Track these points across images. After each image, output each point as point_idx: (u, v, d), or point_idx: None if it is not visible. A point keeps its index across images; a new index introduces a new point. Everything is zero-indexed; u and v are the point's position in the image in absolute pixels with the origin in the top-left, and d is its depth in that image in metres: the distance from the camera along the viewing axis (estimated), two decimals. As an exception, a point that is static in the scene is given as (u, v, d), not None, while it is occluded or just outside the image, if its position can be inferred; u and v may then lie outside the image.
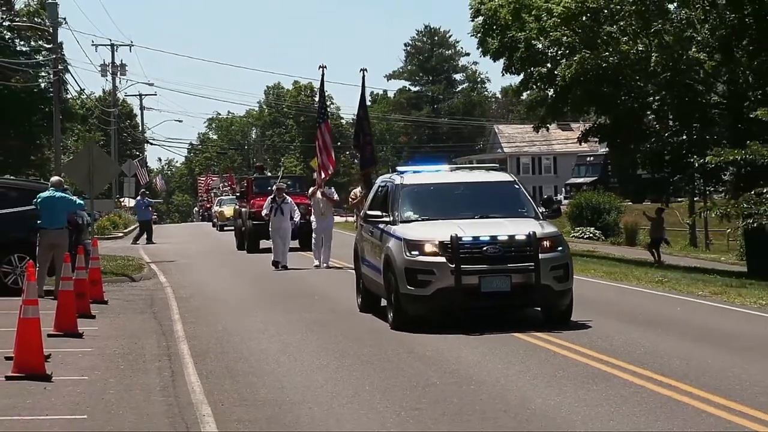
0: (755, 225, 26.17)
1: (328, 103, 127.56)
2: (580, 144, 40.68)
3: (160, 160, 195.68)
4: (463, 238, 16.10)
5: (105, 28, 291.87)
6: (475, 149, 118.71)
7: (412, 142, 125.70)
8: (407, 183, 18.05)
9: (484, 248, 16.10)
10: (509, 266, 16.07)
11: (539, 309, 17.05)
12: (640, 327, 16.44)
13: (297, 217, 30.15)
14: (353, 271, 25.11)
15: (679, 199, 59.44)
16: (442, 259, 16.08)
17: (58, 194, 21.62)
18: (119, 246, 42.61)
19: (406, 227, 16.97)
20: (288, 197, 30.16)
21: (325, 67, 32.12)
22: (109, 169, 29.63)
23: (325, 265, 28.88)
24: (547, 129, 44.16)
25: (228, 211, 58.12)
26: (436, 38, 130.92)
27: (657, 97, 34.15)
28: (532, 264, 16.05)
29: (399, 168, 18.93)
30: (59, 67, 46.35)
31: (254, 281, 26.09)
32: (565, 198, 75.16)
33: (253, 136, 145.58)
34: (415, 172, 18.70)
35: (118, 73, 79.18)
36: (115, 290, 23.76)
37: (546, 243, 16.40)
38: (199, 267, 31.42)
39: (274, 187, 30.24)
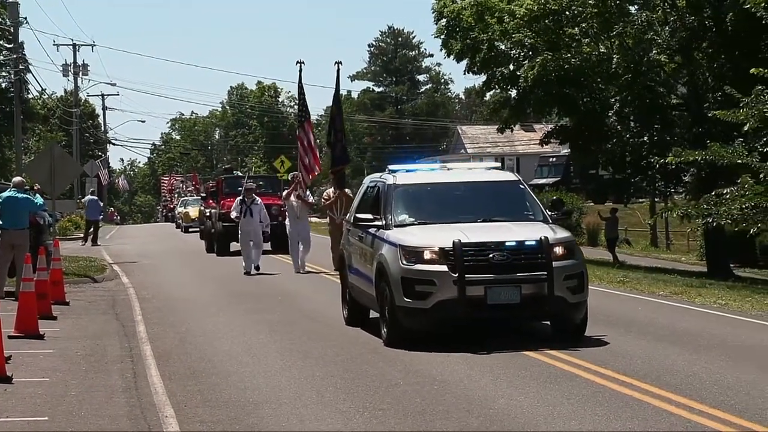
0: (714, 225, 26.39)
1: (292, 103, 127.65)
2: (543, 145, 40.88)
3: (122, 160, 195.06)
4: (468, 244, 14.46)
5: (67, 28, 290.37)
6: (438, 150, 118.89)
7: (375, 143, 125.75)
8: (401, 183, 16.28)
9: (491, 255, 14.46)
10: (519, 275, 14.47)
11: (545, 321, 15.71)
12: (602, 327, 16.50)
13: (266, 227, 28.72)
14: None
15: (641, 200, 59.82)
16: (443, 268, 14.43)
17: (21, 195, 21.51)
18: (81, 247, 42.38)
19: (402, 232, 15.23)
20: (257, 198, 28.75)
21: (303, 62, 30.88)
22: (70, 169, 29.44)
23: (303, 270, 27.59)
24: (512, 130, 44.34)
25: (193, 212, 57.08)
26: (399, 39, 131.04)
27: (618, 99, 34.40)
28: (545, 273, 14.48)
29: (391, 166, 17.15)
30: (20, 66, 46.12)
31: (218, 282, 26.03)
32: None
33: (217, 136, 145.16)
34: (408, 171, 16.96)
35: (80, 73, 78.86)
36: (76, 291, 23.64)
37: (559, 249, 14.82)
38: (163, 268, 31.31)
39: (243, 188, 28.85)
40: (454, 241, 14.45)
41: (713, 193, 25.76)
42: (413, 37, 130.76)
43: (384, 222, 15.73)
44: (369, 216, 16.09)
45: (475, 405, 11.06)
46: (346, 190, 28.14)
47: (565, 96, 35.36)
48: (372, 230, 15.98)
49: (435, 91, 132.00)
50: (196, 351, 15.05)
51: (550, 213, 16.08)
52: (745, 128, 24.49)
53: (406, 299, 14.56)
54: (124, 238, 52.29)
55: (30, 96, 66.30)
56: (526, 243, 14.70)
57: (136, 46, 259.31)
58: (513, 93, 37.60)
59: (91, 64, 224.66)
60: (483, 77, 37.82)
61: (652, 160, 30.12)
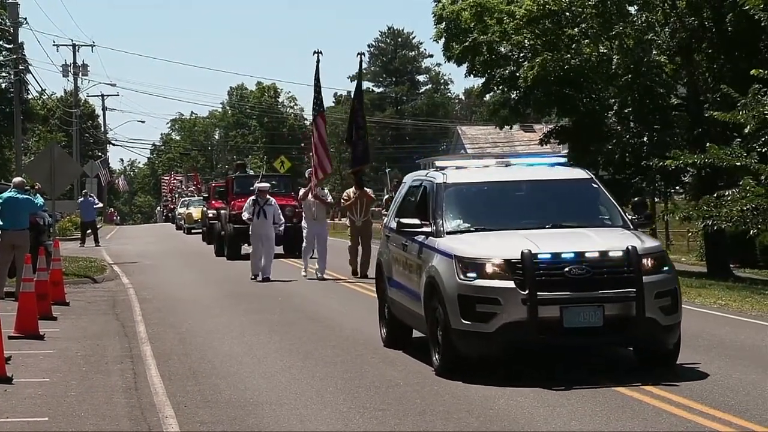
0: (715, 228, 26.40)
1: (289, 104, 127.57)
2: (542, 146, 40.91)
3: (122, 161, 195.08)
4: (539, 255, 12.17)
5: (67, 28, 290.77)
6: (438, 150, 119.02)
7: (375, 143, 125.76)
8: (452, 182, 13.89)
9: (567, 269, 12.14)
10: (601, 293, 12.15)
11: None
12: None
13: (281, 226, 26.43)
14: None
15: (641, 201, 59.71)
16: (510, 284, 12.11)
17: (21, 196, 21.52)
18: (80, 248, 42.34)
19: (456, 240, 12.91)
20: (272, 198, 26.66)
21: (321, 52, 28.40)
22: (70, 169, 29.47)
23: (319, 275, 25.61)
24: (511, 127, 44.43)
25: (196, 213, 55.36)
26: (399, 40, 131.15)
27: (617, 99, 34.47)
28: (633, 290, 12.14)
29: (438, 162, 15.03)
30: (20, 67, 46.15)
31: (219, 283, 26.01)
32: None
33: (216, 137, 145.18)
34: (458, 168, 14.54)
35: (80, 74, 78.83)
36: (76, 292, 23.63)
37: (648, 261, 12.47)
38: (163, 268, 31.29)
39: (256, 188, 26.67)
40: (522, 252, 12.10)
41: (714, 195, 25.76)
42: (413, 38, 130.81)
43: (434, 228, 13.38)
44: (415, 221, 13.70)
45: (475, 405, 11.07)
46: (367, 190, 27.09)
47: (564, 96, 35.41)
48: (419, 238, 13.62)
49: (435, 92, 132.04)
50: (196, 351, 15.06)
51: (630, 217, 13.80)
52: (746, 130, 24.52)
53: (464, 321, 12.22)
54: (124, 239, 52.24)
55: (30, 96, 66.36)
56: (611, 253, 12.39)
57: (135, 47, 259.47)
58: (513, 94, 37.63)
59: (90, 65, 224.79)
60: (483, 79, 37.85)
61: (651, 163, 30.14)
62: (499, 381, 12.00)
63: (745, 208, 24.36)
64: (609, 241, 12.70)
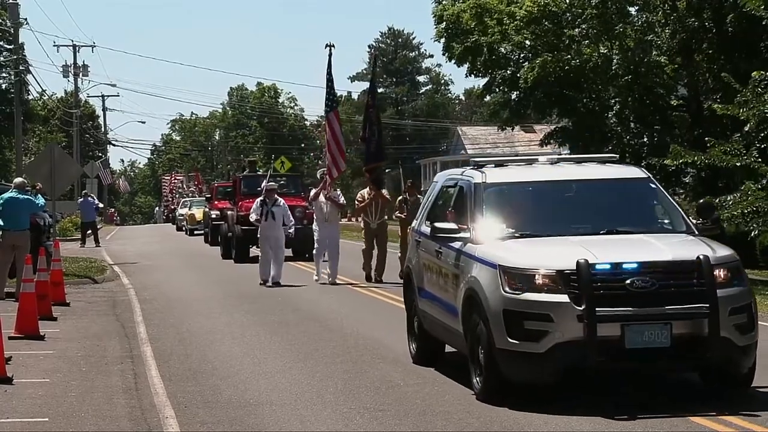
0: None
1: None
2: (543, 146, 40.98)
3: (122, 161, 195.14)
4: (597, 266, 10.69)
5: (67, 29, 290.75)
6: (439, 150, 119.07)
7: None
8: (493, 181, 12.43)
9: (629, 281, 10.65)
10: (669, 309, 10.68)
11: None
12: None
13: (291, 228, 25.30)
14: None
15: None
16: (564, 298, 10.67)
17: (22, 196, 21.53)
18: (80, 248, 42.33)
19: (500, 248, 11.45)
20: (280, 199, 25.50)
21: (333, 45, 26.89)
22: (70, 170, 29.47)
23: (331, 279, 24.60)
24: (512, 128, 44.51)
25: (198, 214, 53.45)
26: (399, 40, 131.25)
27: (618, 100, 34.56)
28: (706, 305, 10.65)
29: (475, 159, 13.48)
30: (20, 67, 46.16)
31: (219, 283, 25.98)
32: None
33: (217, 137, 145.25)
34: (498, 165, 13.05)
35: (81, 74, 78.90)
36: (77, 292, 23.63)
37: (721, 272, 10.99)
38: (163, 269, 31.29)
39: (263, 188, 25.62)
40: (578, 261, 10.63)
41: (717, 200, 25.76)
42: (413, 38, 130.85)
43: (472, 233, 11.91)
44: (451, 225, 12.23)
45: (475, 406, 11.07)
46: (383, 190, 25.85)
47: (565, 97, 35.49)
48: (455, 244, 12.16)
49: (435, 92, 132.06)
50: (196, 352, 15.05)
51: (695, 221, 12.34)
52: (746, 128, 24.53)
53: (510, 340, 10.77)
54: (123, 240, 52.22)
55: (30, 97, 66.32)
56: (679, 264, 10.98)
57: (136, 47, 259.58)
58: (513, 95, 37.72)
59: (91, 65, 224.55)
60: (484, 80, 37.93)
61: (652, 162, 30.17)
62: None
63: (746, 210, 24.39)
64: (675, 249, 11.23)
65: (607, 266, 10.79)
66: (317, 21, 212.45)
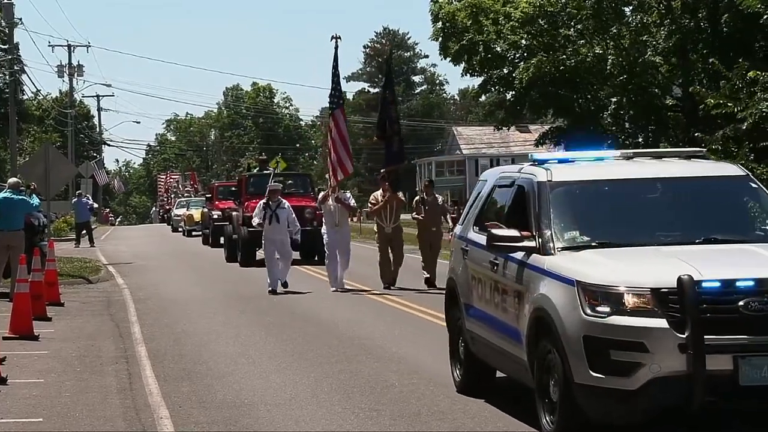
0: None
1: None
2: (538, 147, 41.10)
3: (117, 161, 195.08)
4: (704, 283, 8.74)
5: (62, 29, 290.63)
6: (434, 150, 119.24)
7: (371, 144, 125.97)
8: (560, 179, 10.42)
9: (743, 302, 8.71)
10: None
11: None
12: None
13: (297, 234, 23.56)
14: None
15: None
16: (661, 323, 8.71)
17: (16, 196, 21.51)
18: (75, 249, 42.31)
19: (575, 259, 9.51)
20: (284, 201, 23.85)
21: (339, 38, 25.13)
22: (65, 170, 29.46)
23: (339, 284, 23.21)
24: (508, 128, 44.65)
25: (197, 214, 52.07)
26: (395, 40, 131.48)
27: (613, 100, 34.67)
28: None
29: (535, 155, 11.32)
30: (15, 67, 46.09)
31: (214, 283, 25.97)
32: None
33: (212, 137, 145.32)
34: (562, 161, 11.08)
35: (75, 74, 78.88)
36: (71, 292, 23.61)
37: None
38: (158, 269, 31.27)
39: (267, 189, 24.16)
40: (681, 278, 8.68)
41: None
42: (408, 38, 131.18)
43: (539, 242, 9.94)
44: (513, 233, 10.16)
45: (471, 405, 11.07)
46: (399, 193, 24.32)
47: (560, 97, 35.63)
48: (517, 255, 10.19)
49: (430, 92, 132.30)
50: (191, 352, 15.04)
51: None
52: (744, 126, 24.59)
53: (593, 373, 8.86)
54: (117, 240, 52.18)
55: (25, 97, 66.21)
56: None
57: (131, 47, 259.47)
58: (509, 95, 37.86)
59: (86, 65, 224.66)
60: (479, 79, 38.08)
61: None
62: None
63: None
64: None
65: (717, 284, 8.77)
66: (312, 21, 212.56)
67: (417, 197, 24.98)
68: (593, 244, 9.78)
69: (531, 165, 11.03)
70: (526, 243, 10.02)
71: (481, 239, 10.96)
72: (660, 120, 34.40)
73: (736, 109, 24.25)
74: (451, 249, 13.24)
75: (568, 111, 36.29)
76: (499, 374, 11.44)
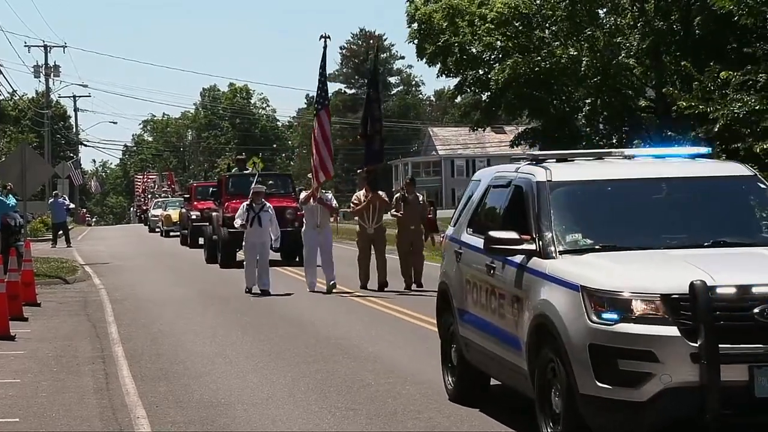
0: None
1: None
2: (513, 147, 41.33)
3: (94, 161, 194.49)
4: (718, 289, 8.28)
5: (38, 29, 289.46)
6: (410, 151, 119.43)
7: (348, 144, 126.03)
8: (561, 179, 9.93)
9: (759, 309, 8.24)
10: None
11: None
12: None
13: (276, 240, 23.18)
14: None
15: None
16: (672, 330, 8.26)
17: (-8, 197, 21.49)
18: (51, 249, 42.20)
19: (579, 263, 9.03)
20: (267, 204, 23.33)
21: (329, 37, 24.46)
22: (42, 171, 29.36)
23: (327, 287, 22.66)
24: (483, 129, 44.87)
25: (174, 214, 51.67)
26: (371, 42, 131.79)
27: (587, 101, 34.97)
28: None
29: (532, 151, 10.93)
30: (-9, 68, 45.96)
31: (191, 284, 25.98)
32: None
33: (189, 137, 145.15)
34: (560, 160, 10.57)
35: (52, 75, 78.66)
36: (48, 292, 23.61)
37: None
38: (135, 269, 31.26)
39: (251, 191, 23.45)
40: (693, 283, 8.22)
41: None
42: (385, 39, 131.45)
43: (540, 245, 9.45)
44: (512, 235, 9.65)
45: (445, 405, 11.15)
46: (380, 192, 23.81)
47: (535, 98, 35.89)
48: (516, 258, 9.70)
49: (406, 93, 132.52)
50: (167, 352, 15.07)
51: None
52: (716, 128, 24.81)
53: (599, 384, 8.38)
54: (95, 240, 52.05)
55: (1, 97, 66.02)
56: None
57: (108, 48, 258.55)
58: (484, 96, 38.09)
59: (62, 66, 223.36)
60: (455, 80, 38.29)
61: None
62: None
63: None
64: None
65: (731, 290, 8.29)
66: (289, 22, 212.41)
67: (398, 195, 24.55)
68: (596, 247, 9.30)
69: (529, 164, 10.52)
70: (525, 246, 9.52)
71: (476, 242, 10.61)
72: (633, 121, 34.71)
73: (708, 110, 24.48)
74: (442, 252, 12.81)
75: (543, 112, 36.54)
76: (493, 381, 11.11)
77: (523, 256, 9.54)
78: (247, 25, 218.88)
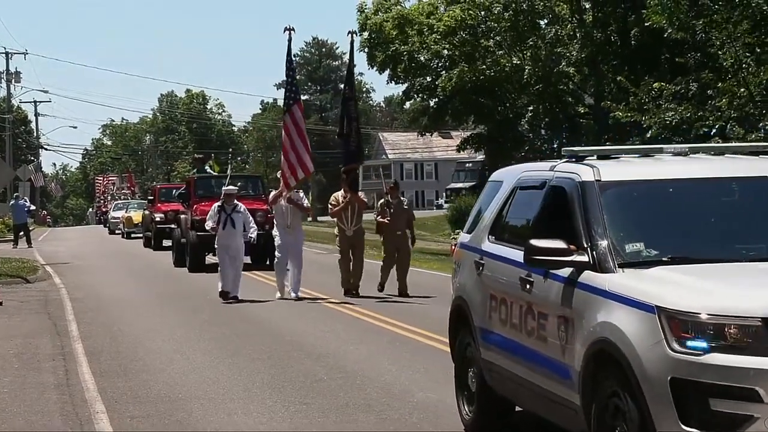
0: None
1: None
2: (460, 151, 41.97)
3: (54, 165, 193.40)
4: None
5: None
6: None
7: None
8: (611, 179, 8.25)
9: None
10: None
11: None
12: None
13: (253, 233, 21.98)
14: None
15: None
16: None
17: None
18: (13, 249, 42.08)
19: (648, 279, 7.33)
20: (240, 204, 22.24)
21: (293, 29, 23.41)
22: (3, 173, 29.48)
23: (294, 294, 21.43)
24: (431, 134, 45.47)
25: (136, 216, 51.55)
26: (323, 50, 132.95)
27: (530, 108, 35.73)
28: None
29: (569, 149, 9.04)
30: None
31: (150, 283, 26.00)
32: (446, 202, 79.49)
33: (147, 142, 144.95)
34: (601, 157, 8.83)
35: (13, 81, 78.47)
36: (9, 291, 23.63)
37: None
38: (95, 269, 31.21)
39: (223, 192, 22.25)
40: None
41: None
42: (337, 48, 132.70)
43: (593, 256, 7.78)
44: (559, 244, 7.93)
45: (395, 398, 11.36)
46: (360, 193, 23.11)
47: (480, 105, 36.58)
48: (562, 272, 8.02)
49: (357, 100, 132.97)
50: (127, 349, 15.19)
51: None
52: (648, 135, 25.45)
53: (685, 428, 6.71)
54: (57, 241, 51.86)
55: (-38, 103, 65.69)
56: None
57: (68, 54, 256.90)
58: (432, 102, 38.71)
59: (23, 72, 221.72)
60: (404, 87, 38.89)
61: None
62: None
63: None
64: None
65: None
66: (243, 31, 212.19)
67: (382, 200, 23.35)
68: (664, 259, 7.61)
69: (567, 162, 8.86)
70: (576, 257, 7.84)
71: (503, 251, 9.22)
72: (573, 127, 35.49)
73: (643, 118, 25.15)
74: (455, 262, 11.00)
75: (489, 118, 37.25)
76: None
77: (572, 269, 7.91)
78: (203, 32, 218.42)
